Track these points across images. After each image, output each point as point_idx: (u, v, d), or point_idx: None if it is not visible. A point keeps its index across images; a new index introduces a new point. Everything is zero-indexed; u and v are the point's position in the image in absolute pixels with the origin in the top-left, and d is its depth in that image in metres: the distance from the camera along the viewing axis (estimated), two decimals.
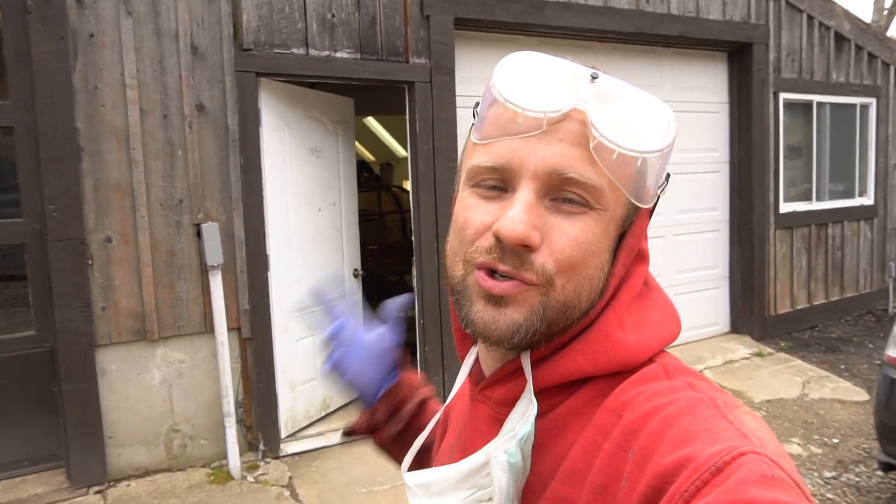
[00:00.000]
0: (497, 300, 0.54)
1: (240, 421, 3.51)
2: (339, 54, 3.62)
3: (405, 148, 11.91)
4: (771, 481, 0.38)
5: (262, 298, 3.51)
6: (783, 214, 5.47)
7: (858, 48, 5.83)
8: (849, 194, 6.03)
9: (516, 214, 0.51)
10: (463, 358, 0.69)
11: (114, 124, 3.12)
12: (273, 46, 3.44)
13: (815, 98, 5.60)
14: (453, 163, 3.99)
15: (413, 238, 4.05)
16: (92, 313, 3.11)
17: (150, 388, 3.30)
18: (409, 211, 8.81)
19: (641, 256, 0.61)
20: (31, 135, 3.03)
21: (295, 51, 3.50)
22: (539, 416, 0.57)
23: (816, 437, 3.82)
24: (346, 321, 0.87)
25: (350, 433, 0.92)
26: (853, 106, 5.91)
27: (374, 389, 0.87)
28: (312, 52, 3.55)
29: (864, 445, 3.71)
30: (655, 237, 5.10)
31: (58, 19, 2.97)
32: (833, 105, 5.76)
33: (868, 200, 6.14)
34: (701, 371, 4.77)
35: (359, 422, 0.91)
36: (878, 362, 4.90)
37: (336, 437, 3.78)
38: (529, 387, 0.57)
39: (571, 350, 0.56)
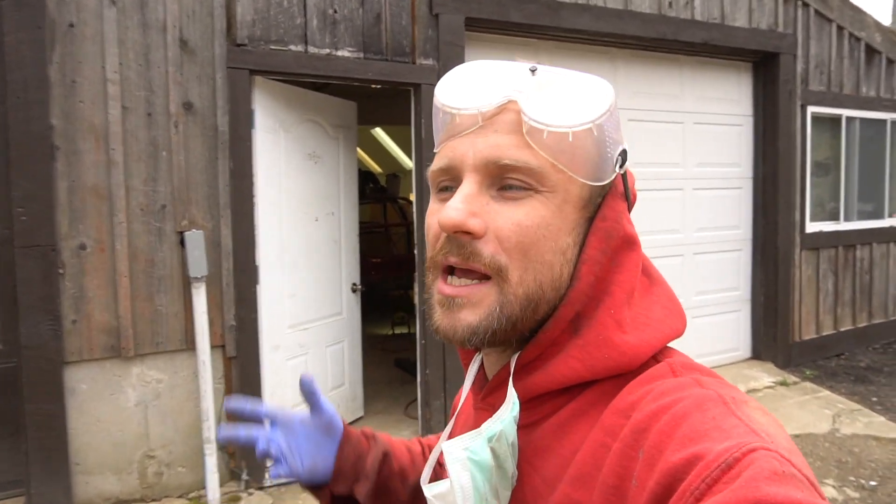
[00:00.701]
0: (450, 304, 0.55)
1: (221, 448, 3.22)
2: (340, 53, 3.37)
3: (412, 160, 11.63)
4: (782, 477, 0.38)
5: (249, 314, 3.23)
6: (809, 234, 5.16)
7: (890, 62, 5.55)
8: (878, 215, 5.71)
9: (453, 203, 0.53)
10: (467, 367, 0.69)
11: (92, 122, 2.87)
12: (269, 42, 3.19)
13: (845, 112, 5.30)
14: None
15: (416, 251, 3.77)
16: (62, 327, 2.84)
17: (124, 409, 3.02)
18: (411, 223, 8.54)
19: (629, 243, 0.58)
20: (1, 131, 2.78)
21: (293, 48, 3.25)
22: (542, 420, 0.57)
23: (852, 478, 3.49)
24: (274, 423, 0.78)
25: None
26: (884, 122, 5.61)
27: (328, 470, 0.79)
28: (312, 49, 3.29)
29: None
30: (673, 255, 4.80)
31: (35, 7, 2.74)
32: (863, 120, 5.46)
33: None
34: (739, 389, 4.45)
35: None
36: None
37: None
38: (510, 387, 0.56)
39: (567, 355, 0.55)
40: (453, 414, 0.74)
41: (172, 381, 3.11)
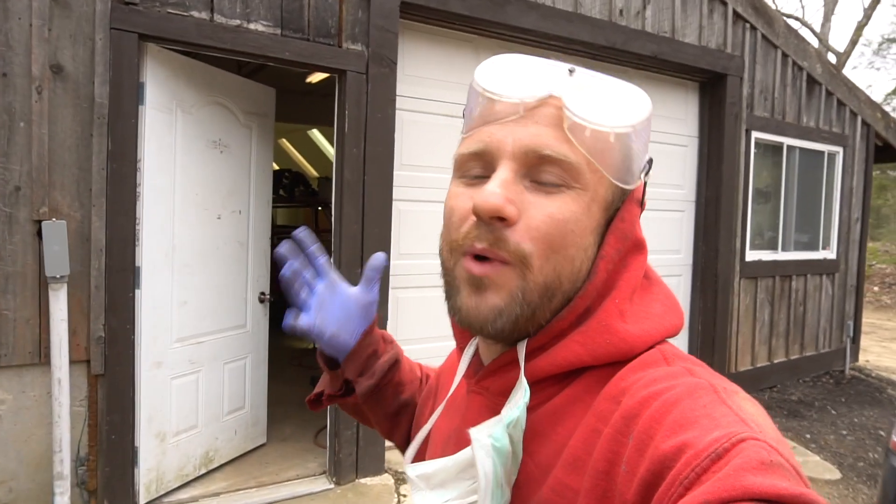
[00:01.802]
0: (478, 284, 0.55)
1: (80, 483, 2.67)
2: (252, 25, 2.92)
3: None
4: (770, 467, 0.39)
5: (124, 324, 2.70)
6: (749, 263, 5.03)
7: (829, 93, 5.55)
8: (813, 246, 5.68)
9: (491, 188, 0.53)
10: (462, 348, 0.69)
11: None
12: (166, 4, 2.71)
13: (786, 141, 5.24)
14: (388, 173, 3.31)
15: (332, 260, 3.33)
16: None
17: None
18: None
19: (639, 246, 0.60)
20: None
21: (195, 14, 2.78)
22: (538, 405, 0.57)
23: None
24: (323, 277, 0.75)
25: (316, 401, 0.85)
26: (821, 153, 5.60)
27: (349, 346, 0.78)
28: (219, 18, 2.83)
29: None
30: None
31: None
32: (802, 150, 5.42)
33: (831, 254, 5.81)
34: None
35: (326, 386, 0.84)
36: (845, 433, 4.48)
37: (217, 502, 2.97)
38: (522, 374, 0.57)
39: (570, 340, 0.56)
40: (445, 396, 0.73)
41: (18, 403, 2.54)
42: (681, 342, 4.97)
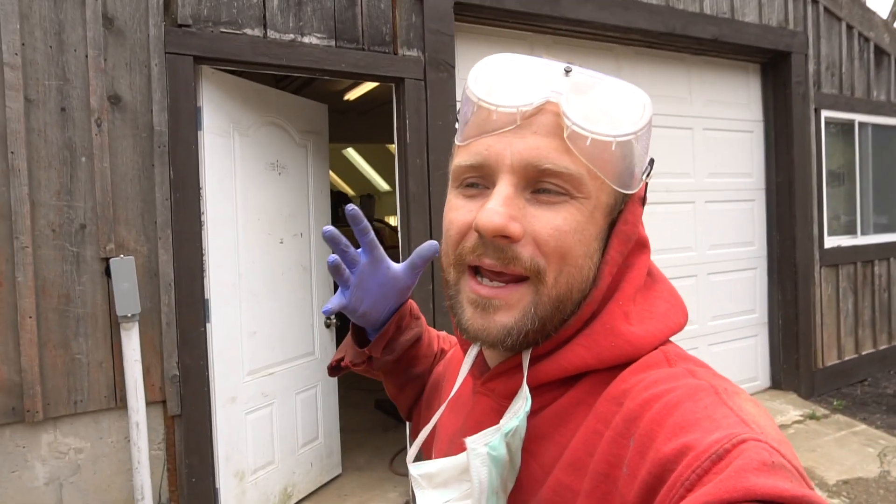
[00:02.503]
0: (485, 305, 0.54)
1: None
2: (306, 39, 2.79)
3: (387, 181, 11.11)
4: (772, 468, 0.38)
5: (197, 360, 2.57)
6: (828, 250, 4.71)
7: None
8: (893, 228, 5.31)
9: (493, 206, 0.52)
10: (465, 351, 0.68)
11: None
12: (218, 24, 2.60)
13: (857, 117, 4.92)
14: None
15: None
16: None
17: (31, 490, 2.32)
18: (394, 247, 7.96)
19: (641, 245, 0.60)
20: None
21: (248, 31, 2.66)
22: (542, 408, 0.57)
23: None
24: (369, 253, 0.74)
25: (337, 367, 0.85)
26: (895, 128, 5.25)
27: (380, 323, 0.79)
28: (272, 34, 2.71)
29: None
30: (686, 276, 4.29)
31: None
32: (875, 126, 5.09)
33: None
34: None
35: (351, 357, 0.84)
36: None
37: None
38: (524, 385, 0.56)
39: (575, 344, 0.56)
40: (447, 397, 0.72)
41: (96, 450, 2.42)
42: (760, 339, 4.68)
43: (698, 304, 4.33)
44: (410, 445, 0.87)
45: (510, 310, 0.54)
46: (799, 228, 4.50)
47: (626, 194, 0.57)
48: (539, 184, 0.53)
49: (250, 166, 2.92)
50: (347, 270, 0.73)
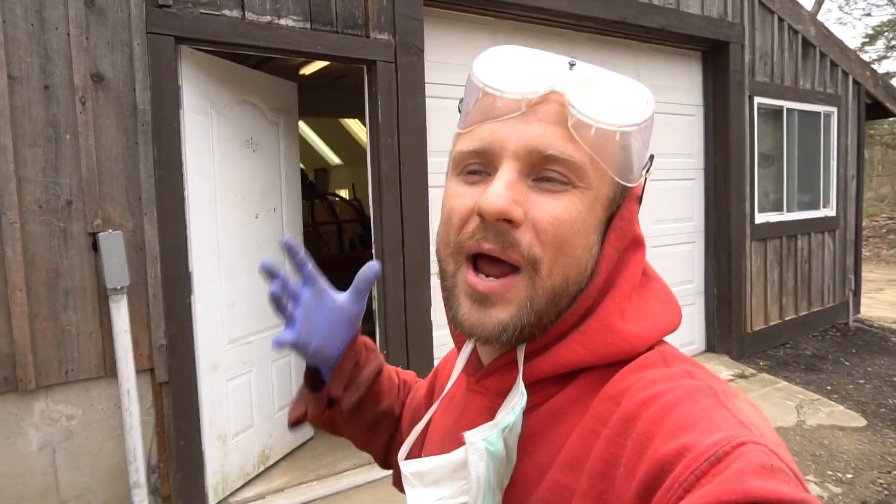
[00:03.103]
0: (483, 299, 0.54)
1: (153, 490, 2.68)
2: (283, 21, 2.89)
3: (338, 156, 11.09)
4: (770, 471, 0.38)
5: (183, 330, 2.70)
6: (758, 225, 5.16)
7: (822, 55, 5.66)
8: (814, 205, 5.83)
9: (496, 189, 0.52)
10: (459, 348, 0.68)
11: None
12: (198, 4, 2.67)
13: (786, 104, 5.35)
14: (423, 162, 3.33)
15: (374, 251, 3.34)
16: None
17: (25, 456, 2.42)
18: (348, 221, 8.03)
19: (637, 243, 0.60)
20: None
21: (227, 12, 2.74)
22: (538, 406, 0.57)
23: (830, 472, 3.41)
24: (311, 285, 0.72)
25: (298, 421, 0.80)
26: (818, 114, 5.73)
27: (334, 359, 0.76)
28: (250, 15, 2.80)
29: (881, 480, 3.33)
30: None
31: None
32: (801, 112, 5.54)
33: (831, 212, 5.98)
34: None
35: (305, 406, 0.80)
36: (862, 382, 4.66)
37: (281, 501, 2.99)
38: (520, 379, 0.56)
39: (571, 340, 0.56)
40: (440, 394, 0.73)
41: (87, 417, 2.53)
42: (697, 307, 5.11)
43: None
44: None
45: (506, 305, 0.54)
46: (733, 206, 4.91)
47: (623, 190, 0.57)
48: (542, 171, 0.53)
49: (227, 144, 3.02)
50: (290, 305, 0.72)
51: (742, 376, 4.70)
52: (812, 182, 5.81)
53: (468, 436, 0.56)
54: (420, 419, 0.77)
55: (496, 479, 0.55)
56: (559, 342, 0.56)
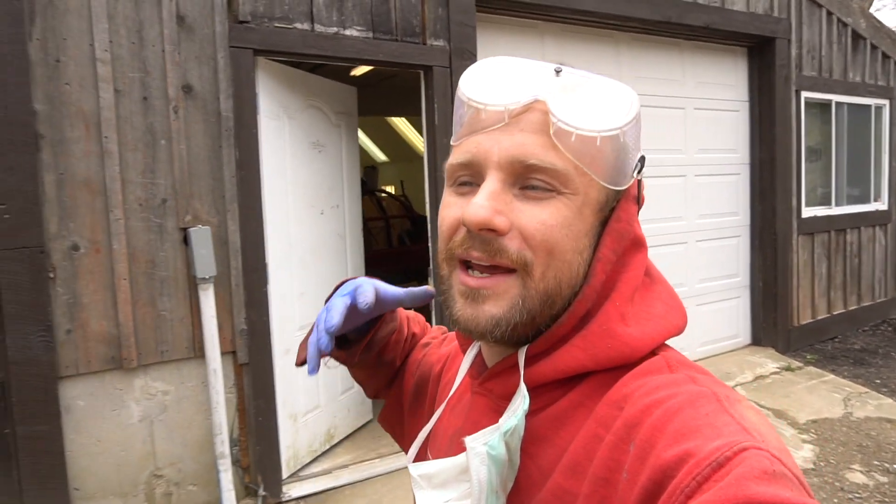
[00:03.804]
0: (475, 295, 0.55)
1: (235, 462, 2.96)
2: (348, 32, 3.12)
3: (384, 153, 11.35)
4: (773, 477, 0.38)
5: (261, 316, 2.97)
6: (805, 219, 5.18)
7: (873, 48, 5.62)
8: (864, 199, 5.79)
9: (478, 201, 0.53)
10: (465, 352, 0.69)
11: (81, 107, 2.56)
12: (273, 19, 2.93)
13: (834, 98, 5.34)
14: None
15: (430, 246, 3.56)
16: (54, 338, 2.53)
17: (128, 426, 2.72)
18: (395, 216, 8.28)
19: (638, 244, 0.59)
20: None
21: (298, 25, 2.99)
22: (541, 410, 0.57)
23: (876, 462, 3.47)
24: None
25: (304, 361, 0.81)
26: (868, 107, 5.69)
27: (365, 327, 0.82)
28: (318, 27, 3.04)
29: None
30: (677, 243, 4.73)
31: None
32: (850, 105, 5.52)
33: (882, 206, 5.92)
34: (733, 388, 4.41)
35: (341, 356, 0.83)
36: None
37: (345, 477, 3.25)
38: (521, 382, 0.56)
39: (571, 345, 0.56)
40: (445, 397, 0.74)
41: (179, 393, 2.82)
42: (742, 300, 5.17)
43: (687, 268, 4.78)
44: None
45: (498, 300, 0.54)
46: (779, 200, 4.95)
47: (618, 192, 0.58)
48: (527, 180, 0.54)
49: (297, 146, 3.28)
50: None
51: (788, 369, 4.74)
52: (862, 176, 5.77)
53: (469, 441, 0.56)
54: (427, 389, 0.83)
55: (499, 482, 0.55)
56: (560, 346, 0.57)
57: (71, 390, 2.59)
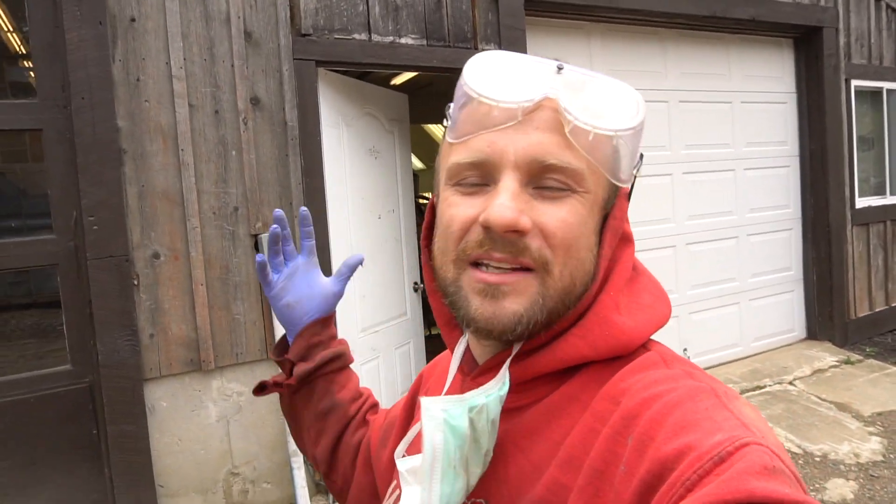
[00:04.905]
0: (494, 292, 0.53)
1: (306, 461, 3.05)
2: (403, 40, 3.21)
3: (422, 161, 11.51)
4: (773, 473, 0.38)
5: None
6: (859, 210, 5.08)
7: None
8: None
9: (502, 201, 0.52)
10: (452, 348, 0.66)
11: (159, 122, 2.70)
12: (333, 31, 3.04)
13: (886, 85, 5.24)
14: None
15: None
16: (139, 342, 2.66)
17: (206, 426, 2.84)
18: None
19: (626, 239, 0.61)
20: (65, 137, 2.60)
21: (357, 36, 3.10)
22: (533, 403, 0.57)
23: None
24: (306, 256, 0.84)
25: (262, 387, 0.86)
26: None
27: (302, 324, 0.83)
28: (375, 37, 3.14)
29: None
30: (728, 238, 4.70)
31: (95, 1, 2.56)
32: None
33: None
34: (790, 382, 4.36)
35: (277, 375, 0.86)
36: None
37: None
38: (506, 367, 0.56)
39: (570, 335, 0.56)
40: (418, 391, 0.75)
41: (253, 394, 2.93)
42: (797, 294, 5.09)
43: (739, 263, 4.74)
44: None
45: (519, 296, 0.53)
46: (831, 191, 4.87)
47: (616, 190, 0.58)
48: (542, 180, 0.54)
49: (355, 153, 3.38)
50: (271, 274, 0.82)
51: (848, 362, 4.66)
52: None
53: (424, 401, 0.55)
54: (394, 433, 0.79)
55: (458, 457, 0.54)
56: (558, 339, 0.57)
57: (154, 392, 2.72)
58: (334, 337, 0.87)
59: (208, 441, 2.85)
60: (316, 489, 3.08)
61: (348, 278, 0.83)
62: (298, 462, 2.92)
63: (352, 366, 0.91)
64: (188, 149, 2.73)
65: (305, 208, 0.82)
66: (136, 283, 2.67)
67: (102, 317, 2.59)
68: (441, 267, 0.58)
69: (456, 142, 0.57)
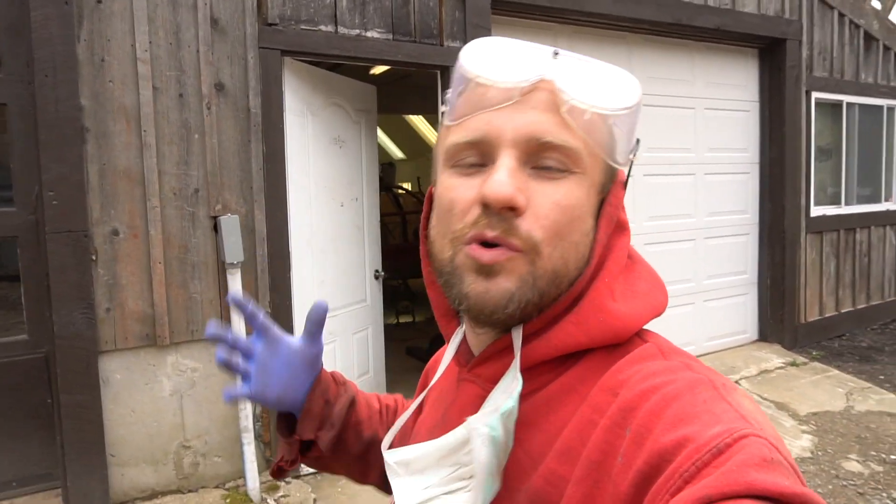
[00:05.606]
0: (488, 270, 0.53)
1: (258, 436, 3.16)
2: (369, 33, 3.30)
3: (401, 150, 11.57)
4: (771, 465, 0.39)
5: (284, 301, 3.17)
6: (814, 218, 5.26)
7: (886, 48, 5.68)
8: (875, 199, 5.86)
9: (500, 177, 0.52)
10: (448, 339, 0.67)
11: (123, 103, 2.77)
12: (299, 22, 3.12)
13: (845, 98, 5.42)
14: None
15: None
16: (95, 315, 2.74)
17: (159, 399, 2.93)
18: (413, 212, 8.47)
19: (621, 227, 0.60)
20: (28, 113, 2.66)
21: (323, 28, 3.18)
22: (530, 394, 0.56)
23: (873, 453, 3.58)
24: (263, 336, 0.75)
25: (280, 471, 0.81)
26: (881, 108, 5.75)
27: (300, 402, 0.77)
28: (342, 29, 3.23)
29: None
30: (686, 240, 4.85)
31: None
32: (862, 106, 5.58)
33: (893, 206, 5.98)
34: (736, 381, 4.53)
35: (284, 453, 0.79)
36: None
37: None
38: (516, 362, 0.56)
39: (565, 322, 0.56)
40: (426, 385, 0.73)
41: (207, 370, 3.03)
42: (750, 297, 5.27)
43: (696, 265, 4.90)
44: None
45: (509, 274, 0.53)
46: (788, 198, 5.04)
47: (612, 174, 0.59)
48: (540, 159, 0.54)
49: (319, 141, 3.47)
50: (241, 364, 0.74)
51: (793, 364, 4.85)
52: (873, 176, 5.84)
53: (472, 420, 0.55)
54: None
55: (497, 466, 0.54)
56: (553, 325, 0.57)
57: (109, 364, 2.81)
58: (330, 383, 0.80)
59: (161, 414, 2.94)
60: (266, 465, 3.19)
61: (320, 333, 0.75)
62: (249, 438, 3.02)
63: None
64: (151, 130, 2.80)
65: (231, 294, 0.74)
66: (94, 258, 2.75)
67: (59, 290, 2.67)
68: (438, 250, 0.58)
69: (453, 123, 0.57)
